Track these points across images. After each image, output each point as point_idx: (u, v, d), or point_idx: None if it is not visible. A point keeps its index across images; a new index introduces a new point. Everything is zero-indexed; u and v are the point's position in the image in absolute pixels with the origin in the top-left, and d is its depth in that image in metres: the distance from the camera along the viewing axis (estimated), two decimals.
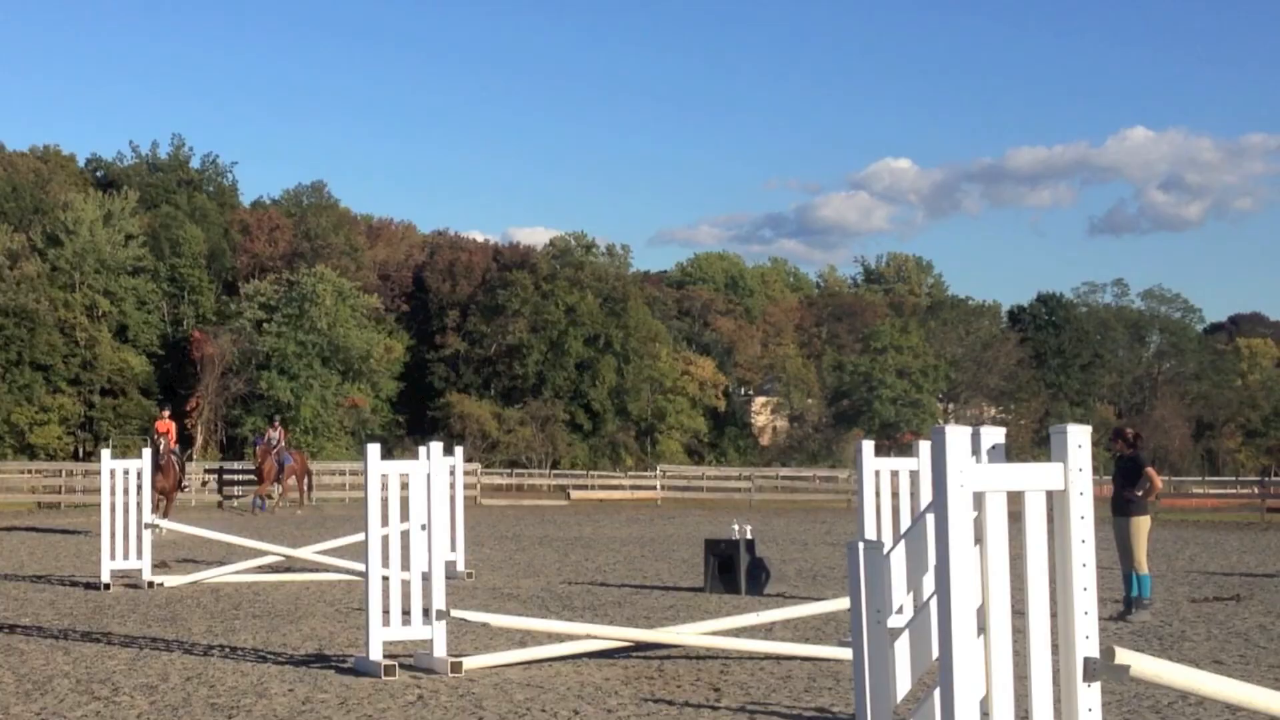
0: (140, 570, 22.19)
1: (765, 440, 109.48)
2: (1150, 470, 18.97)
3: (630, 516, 48.92)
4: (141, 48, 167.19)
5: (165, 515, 32.48)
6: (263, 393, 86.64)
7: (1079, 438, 6.55)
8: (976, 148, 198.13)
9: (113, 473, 22.74)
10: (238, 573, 22.87)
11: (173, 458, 36.21)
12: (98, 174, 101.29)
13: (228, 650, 15.02)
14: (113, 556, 22.13)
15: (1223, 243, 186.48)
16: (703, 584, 22.05)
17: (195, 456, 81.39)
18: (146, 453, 23.83)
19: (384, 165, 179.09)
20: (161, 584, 21.99)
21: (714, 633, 14.44)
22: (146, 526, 22.38)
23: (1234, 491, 64.60)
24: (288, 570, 23.64)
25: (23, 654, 14.77)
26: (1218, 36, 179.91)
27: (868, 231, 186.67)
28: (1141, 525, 18.63)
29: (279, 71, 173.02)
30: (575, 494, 63.24)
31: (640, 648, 14.64)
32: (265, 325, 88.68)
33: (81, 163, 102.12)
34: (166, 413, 38.60)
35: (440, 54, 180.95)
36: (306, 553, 23.19)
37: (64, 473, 58.45)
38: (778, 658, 14.20)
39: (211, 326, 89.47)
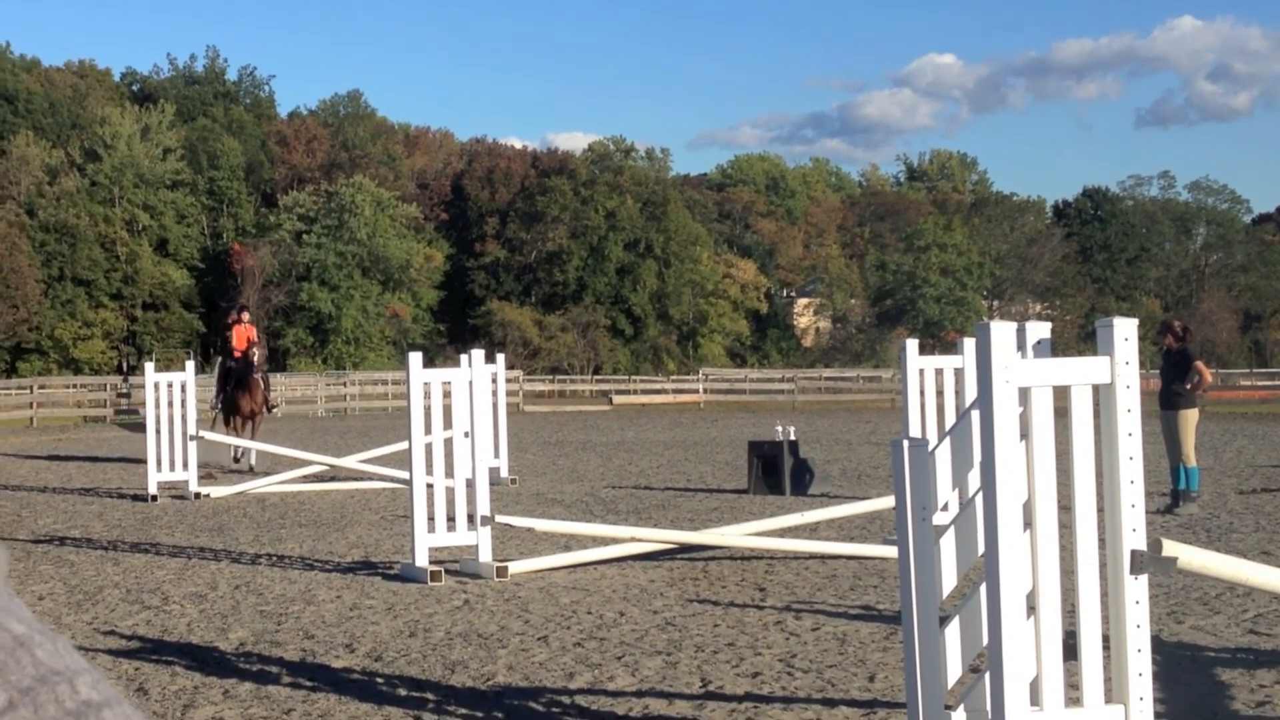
0: (186, 481, 22.36)
1: (808, 342, 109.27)
2: (1199, 364, 18.87)
3: (673, 420, 49.02)
4: None
5: (253, 435, 27.50)
6: (304, 304, 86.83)
7: (1125, 331, 6.48)
8: (1021, 41, 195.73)
9: (157, 386, 22.88)
10: (283, 483, 23.03)
11: (257, 375, 27.70)
12: (134, 88, 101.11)
13: (275, 559, 15.14)
14: (159, 468, 22.30)
15: (1272, 133, 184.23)
16: (747, 486, 22.09)
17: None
18: (190, 365, 23.94)
19: (420, 74, 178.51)
20: (208, 495, 22.16)
21: (758, 533, 14.46)
22: (192, 438, 22.51)
23: None
24: (333, 479, 23.79)
25: (73, 565, 14.92)
26: None
27: (911, 129, 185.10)
28: (1190, 418, 18.55)
29: None
30: (618, 399, 63.41)
31: (685, 550, 14.68)
32: (305, 237, 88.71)
33: (117, 77, 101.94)
34: (246, 316, 29.19)
35: None
36: (351, 462, 23.30)
37: (109, 386, 58.88)
38: (822, 557, 14.22)
39: (251, 239, 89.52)
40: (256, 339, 28.57)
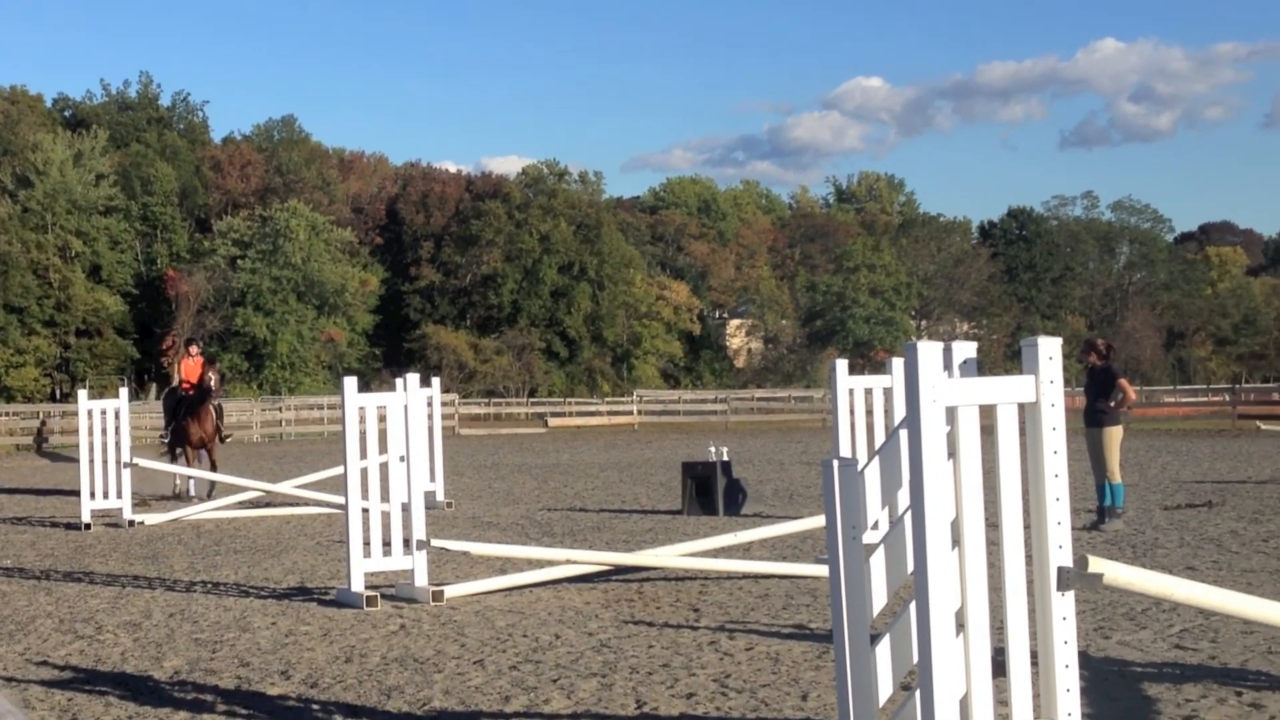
0: (120, 509, 22.23)
1: (741, 362, 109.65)
2: (1123, 381, 19.08)
3: (608, 442, 49.08)
4: None
5: (214, 467, 26.82)
6: (239, 329, 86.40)
7: (1050, 350, 6.58)
8: (947, 64, 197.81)
9: (90, 413, 22.75)
10: (218, 509, 22.93)
11: (210, 402, 26.99)
12: (66, 114, 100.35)
13: (210, 586, 15.09)
14: (93, 496, 22.17)
15: (1193, 152, 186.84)
16: (681, 507, 22.17)
17: None
18: (124, 392, 23.81)
19: (354, 98, 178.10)
20: (142, 522, 22.03)
21: (692, 554, 14.54)
22: (126, 466, 22.38)
23: (1205, 400, 64.97)
24: (268, 505, 23.71)
25: (4, 595, 14.82)
26: None
27: (840, 151, 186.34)
28: (1114, 435, 18.75)
29: (247, 6, 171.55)
30: (553, 421, 63.42)
31: (620, 571, 14.74)
32: (239, 262, 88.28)
33: (50, 103, 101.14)
34: (195, 349, 28.83)
35: None
36: (286, 487, 23.24)
37: (41, 414, 58.36)
38: (755, 577, 14.31)
39: (185, 264, 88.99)
40: (208, 368, 27.43)
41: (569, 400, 75.39)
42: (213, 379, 26.83)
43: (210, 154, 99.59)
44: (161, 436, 28.46)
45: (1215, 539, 16.98)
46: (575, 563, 14.31)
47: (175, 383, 29.07)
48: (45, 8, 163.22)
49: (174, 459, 27.09)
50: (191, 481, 26.34)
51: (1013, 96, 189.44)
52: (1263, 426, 46.06)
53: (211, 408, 26.98)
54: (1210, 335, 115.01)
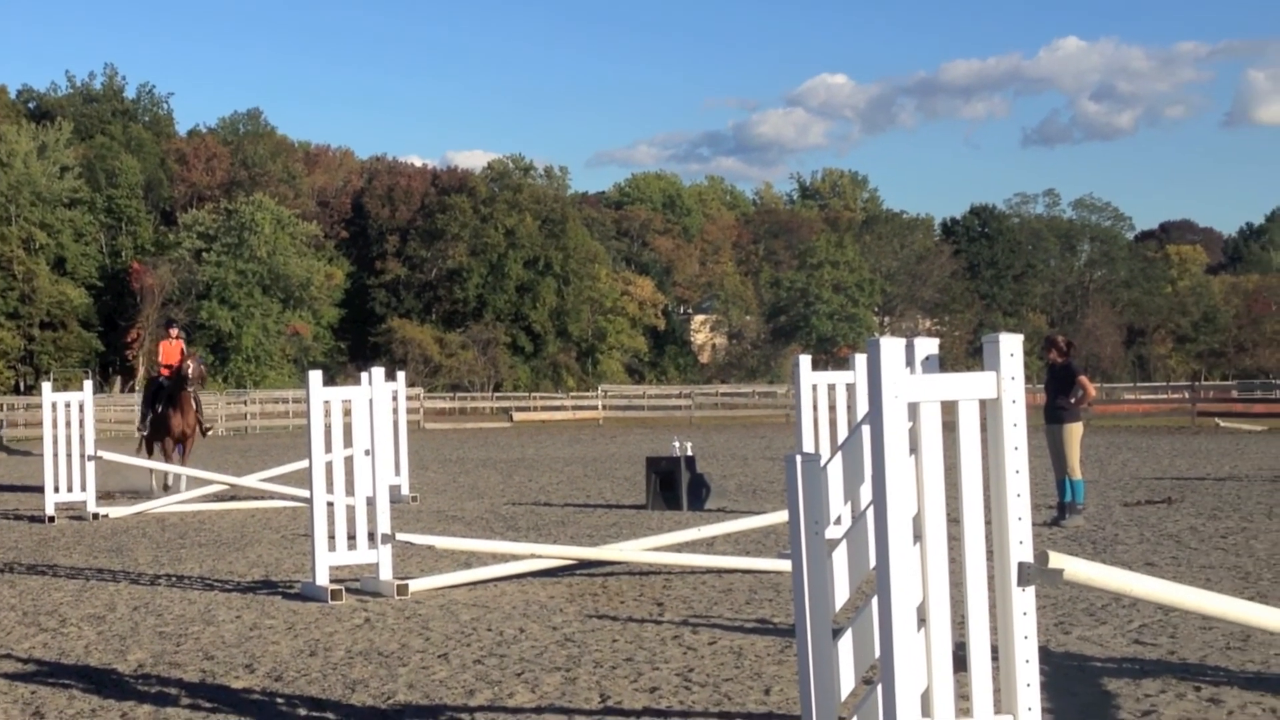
0: (84, 502, 22.18)
1: (705, 358, 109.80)
2: (1083, 378, 19.19)
3: (572, 437, 49.10)
4: None
5: (183, 460, 25.59)
6: (204, 322, 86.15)
7: (1010, 346, 6.64)
8: (911, 62, 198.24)
9: (54, 406, 22.68)
10: (183, 503, 22.89)
11: (189, 391, 25.55)
12: (31, 105, 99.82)
13: (174, 579, 15.08)
14: (56, 489, 22.11)
15: (1154, 151, 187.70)
16: (645, 501, 22.23)
17: (137, 388, 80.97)
18: (88, 385, 23.70)
19: (320, 91, 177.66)
20: (106, 515, 21.99)
21: (656, 549, 14.58)
22: (90, 459, 22.33)
23: (1165, 397, 65.26)
24: (232, 499, 23.68)
25: None
26: None
27: (805, 148, 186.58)
28: (1074, 432, 18.87)
29: (211, 1, 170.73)
30: (518, 416, 63.44)
31: (584, 566, 14.78)
32: (204, 255, 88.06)
33: (13, 94, 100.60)
34: (175, 331, 27.42)
35: None
36: (251, 481, 23.23)
37: (5, 407, 58.12)
38: (719, 571, 14.36)
39: (150, 257, 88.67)
40: (189, 354, 26.19)
41: (534, 395, 75.43)
42: (191, 367, 25.38)
43: (175, 147, 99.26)
44: (140, 429, 26.82)
45: (1174, 535, 17.11)
46: (539, 557, 14.35)
47: (154, 370, 27.71)
48: None
49: (151, 453, 25.98)
50: (183, 479, 24.45)
51: (976, 94, 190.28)
52: (1222, 424, 46.45)
53: (190, 395, 25.44)
54: (1170, 333, 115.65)
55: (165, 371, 26.02)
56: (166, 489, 24.80)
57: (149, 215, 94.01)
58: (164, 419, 25.57)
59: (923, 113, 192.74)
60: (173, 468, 24.69)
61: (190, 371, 25.38)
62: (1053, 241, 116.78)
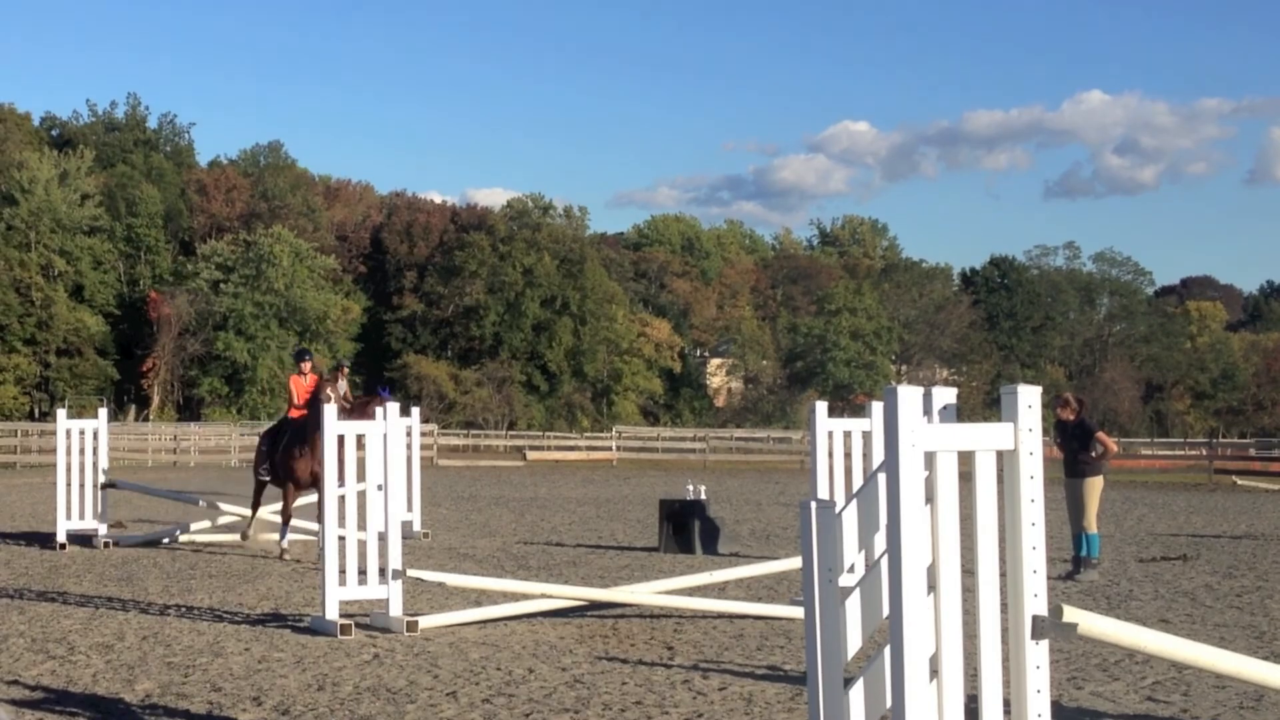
0: (96, 530, 22.17)
1: (720, 402, 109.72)
2: (1101, 434, 19.19)
3: (586, 477, 49.04)
4: (99, 5, 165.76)
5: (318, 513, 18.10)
6: (219, 353, 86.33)
7: (1029, 398, 6.62)
8: (934, 111, 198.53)
9: (68, 432, 22.70)
10: (194, 533, 22.87)
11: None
12: (53, 133, 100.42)
13: (184, 610, 15.05)
14: (68, 516, 22.11)
15: (1176, 206, 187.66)
16: (657, 544, 22.17)
17: (151, 418, 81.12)
18: (103, 412, 23.70)
19: (342, 126, 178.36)
20: (117, 543, 21.97)
21: (668, 592, 14.54)
22: (103, 486, 22.33)
23: (1182, 453, 65.10)
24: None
25: None
26: (1173, 0, 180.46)
27: (825, 194, 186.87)
28: (1095, 486, 18.85)
29: (237, 31, 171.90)
30: (531, 455, 63.37)
31: (595, 607, 14.73)
32: (222, 286, 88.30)
33: (37, 121, 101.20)
34: (307, 366, 22.19)
35: (399, 12, 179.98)
36: (263, 513, 23.19)
37: (19, 433, 58.23)
38: (731, 616, 14.31)
39: (168, 287, 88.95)
40: (327, 381, 21.38)
41: (548, 434, 75.40)
42: (330, 396, 20.39)
43: (196, 177, 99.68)
44: (258, 472, 22.09)
45: (1189, 592, 17.03)
46: (550, 597, 14.30)
47: (285, 410, 22.61)
48: (35, 26, 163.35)
49: (259, 500, 22.45)
50: (286, 536, 20.98)
51: (998, 145, 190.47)
52: (1239, 481, 46.23)
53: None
54: (1188, 389, 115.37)
55: (297, 414, 21.49)
56: (245, 538, 22.18)
57: (168, 245, 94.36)
58: (288, 460, 21.10)
59: (944, 162, 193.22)
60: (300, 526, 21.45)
61: (330, 398, 19.98)
62: (1072, 294, 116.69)
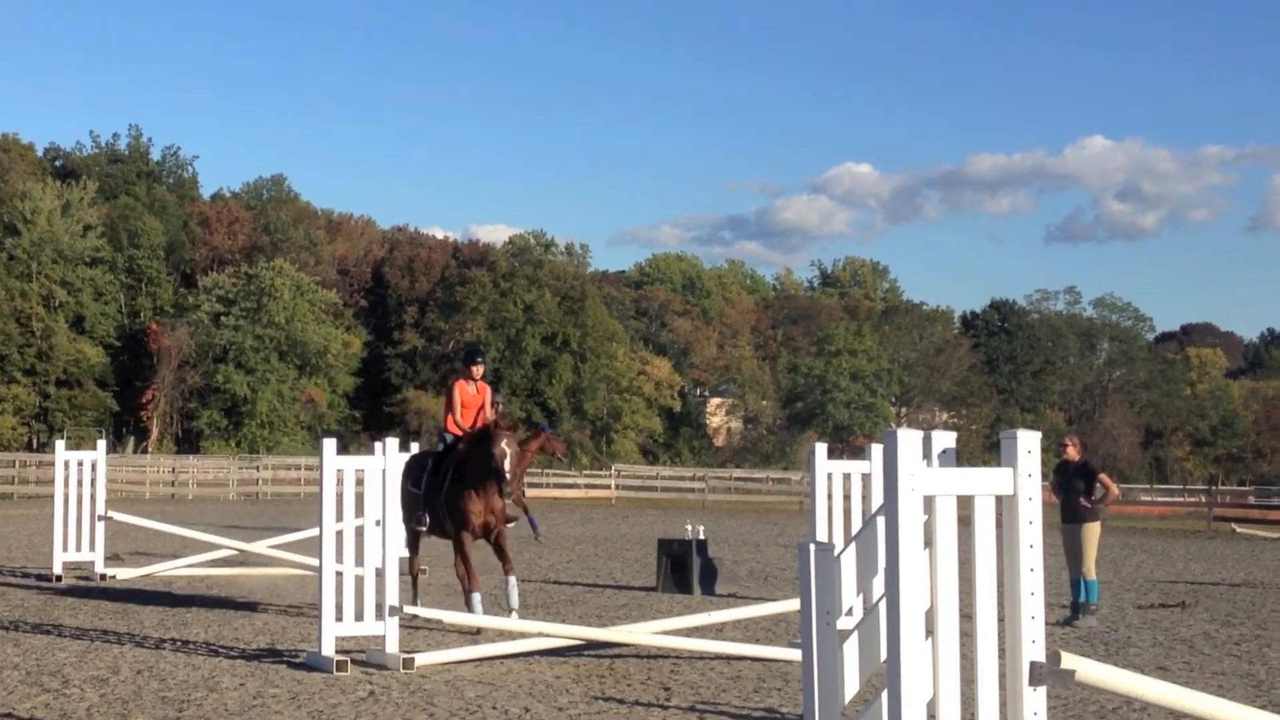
0: (93, 563, 22.13)
1: (720, 441, 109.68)
2: (1104, 477, 19.20)
3: (584, 515, 48.99)
4: (103, 36, 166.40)
5: (504, 565, 16.48)
6: (219, 386, 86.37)
7: (1029, 443, 6.63)
8: (937, 154, 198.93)
9: (66, 464, 22.66)
10: (191, 566, 22.84)
11: (508, 453, 16.09)
12: (57, 163, 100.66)
13: (179, 644, 15.02)
14: (65, 548, 22.07)
15: (1177, 253, 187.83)
16: (655, 583, 22.13)
17: (150, 450, 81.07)
18: (101, 444, 23.64)
19: (345, 160, 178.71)
20: (114, 576, 21.93)
21: (665, 632, 14.51)
22: (101, 519, 22.30)
23: (1181, 500, 64.99)
24: (241, 565, 23.61)
25: None
26: (1176, 47, 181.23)
27: (828, 235, 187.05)
28: (1094, 531, 18.84)
29: (241, 64, 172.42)
30: (530, 492, 63.20)
31: (592, 646, 14.70)
32: (223, 318, 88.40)
33: (40, 152, 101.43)
34: (479, 370, 17.62)
35: (403, 48, 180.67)
36: (260, 547, 23.17)
37: (17, 463, 58.19)
38: (728, 658, 14.28)
39: (169, 319, 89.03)
40: (497, 404, 18.02)
41: (546, 471, 75.24)
42: (502, 411, 17.48)
43: (198, 209, 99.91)
44: (412, 520, 17.31)
45: (1188, 640, 16.99)
46: (547, 635, 14.28)
47: (440, 426, 17.96)
48: (40, 57, 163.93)
49: (416, 554, 18.06)
50: (476, 600, 16.21)
51: (1000, 189, 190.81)
52: (1238, 529, 46.15)
53: (506, 469, 16.07)
54: (1188, 436, 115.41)
55: (458, 430, 17.21)
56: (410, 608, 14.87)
57: (169, 277, 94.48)
58: (461, 506, 16.53)
59: (947, 205, 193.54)
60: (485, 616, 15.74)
61: (498, 429, 16.25)
62: (1072, 339, 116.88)
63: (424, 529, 17.27)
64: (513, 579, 16.36)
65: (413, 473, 17.44)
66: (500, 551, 16.70)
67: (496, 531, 16.64)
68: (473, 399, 17.43)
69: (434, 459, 17.32)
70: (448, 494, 16.65)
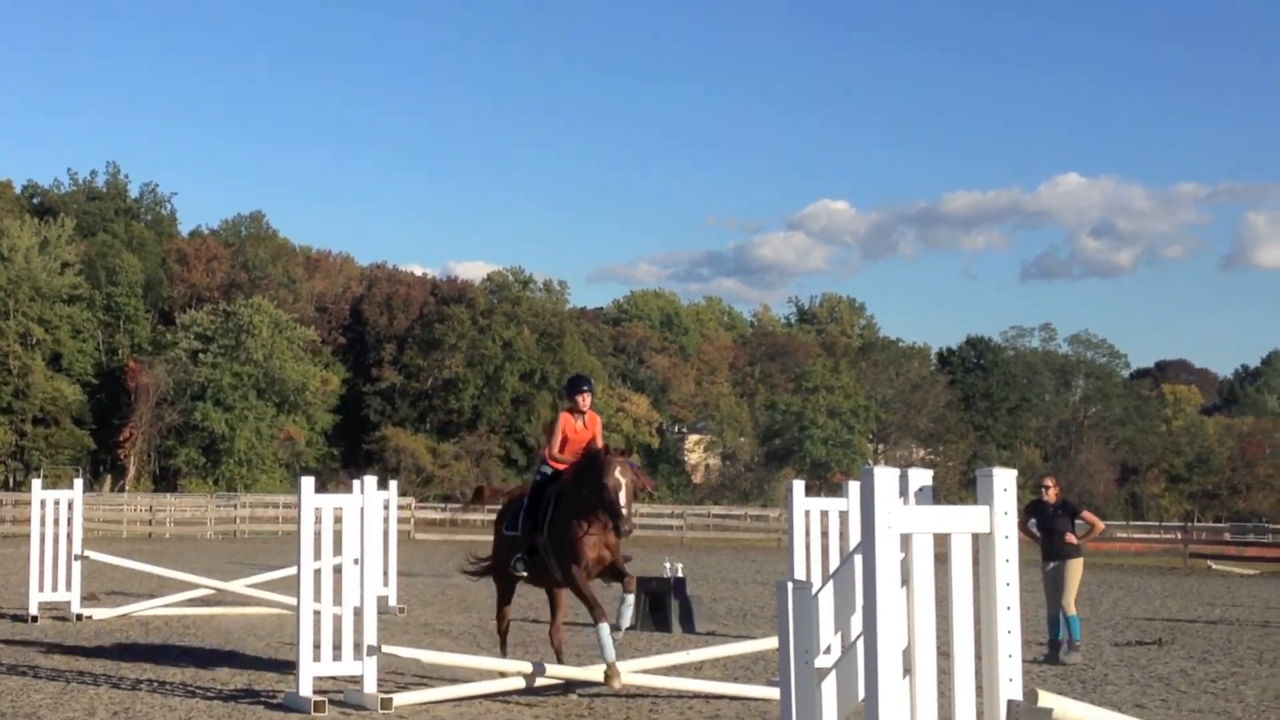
0: (69, 602, 22.03)
1: (698, 478, 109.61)
2: (1089, 514, 19.45)
3: None
4: (81, 74, 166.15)
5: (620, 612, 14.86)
6: (197, 424, 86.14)
7: (1004, 481, 6.67)
8: (913, 191, 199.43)
9: (43, 503, 22.56)
10: (168, 606, 22.76)
11: (623, 483, 14.27)
12: (34, 200, 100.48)
13: (156, 684, 14.96)
14: (41, 588, 21.97)
15: (1152, 290, 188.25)
16: (634, 622, 22.11)
17: (127, 488, 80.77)
18: (78, 483, 23.55)
19: (323, 197, 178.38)
20: (90, 616, 21.85)
21: (644, 671, 14.50)
22: (77, 558, 22.21)
23: (1157, 536, 65.20)
24: (218, 604, 23.53)
25: None
26: (1150, 85, 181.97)
27: (805, 272, 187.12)
28: (1077, 567, 18.97)
29: (219, 101, 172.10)
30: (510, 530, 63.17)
31: (571, 686, 14.68)
32: (201, 356, 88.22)
33: (18, 189, 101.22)
34: (586, 400, 15.55)
35: (383, 84, 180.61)
36: (238, 586, 23.10)
37: None
38: (707, 696, 14.28)
39: (146, 356, 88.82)
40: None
41: None
42: (620, 473, 14.44)
43: (176, 246, 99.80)
44: (512, 567, 15.50)
45: (1164, 678, 17.04)
46: (526, 675, 14.26)
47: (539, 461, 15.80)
48: (15, 94, 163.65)
49: (506, 599, 16.27)
50: (605, 632, 14.37)
51: (976, 226, 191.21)
52: (1214, 566, 46.30)
53: (621, 501, 14.22)
54: (1163, 472, 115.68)
55: (559, 464, 15.28)
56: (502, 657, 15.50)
57: (147, 314, 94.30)
58: (568, 539, 14.65)
59: (923, 242, 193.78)
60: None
61: (610, 456, 14.47)
62: (1048, 376, 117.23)
63: (524, 575, 15.29)
64: (630, 597, 14.83)
65: (505, 517, 15.87)
66: (618, 575, 14.99)
67: (612, 563, 14.88)
68: (579, 434, 15.32)
69: (530, 495, 15.27)
70: (553, 527, 14.62)
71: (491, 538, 16.19)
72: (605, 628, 14.17)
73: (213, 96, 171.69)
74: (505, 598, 16.07)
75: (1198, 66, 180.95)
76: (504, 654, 15.88)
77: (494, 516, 16.41)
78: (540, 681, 14.37)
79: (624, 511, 14.05)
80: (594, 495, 14.16)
